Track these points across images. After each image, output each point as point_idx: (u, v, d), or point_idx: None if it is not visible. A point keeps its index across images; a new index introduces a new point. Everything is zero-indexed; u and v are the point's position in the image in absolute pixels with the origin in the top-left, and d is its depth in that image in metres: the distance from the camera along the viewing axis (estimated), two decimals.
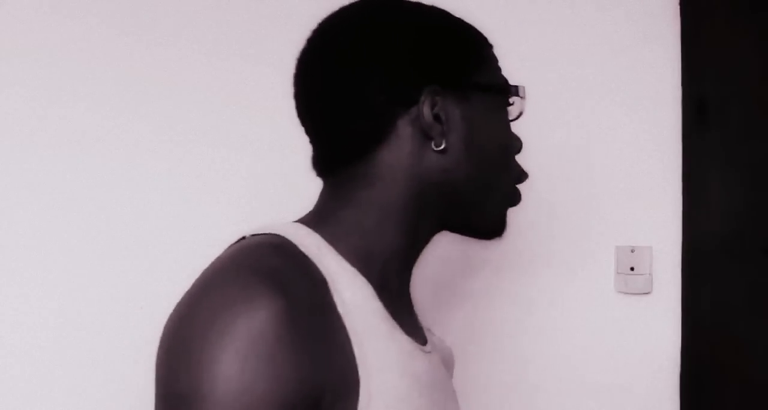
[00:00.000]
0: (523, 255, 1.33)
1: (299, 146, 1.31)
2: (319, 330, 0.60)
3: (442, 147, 0.69)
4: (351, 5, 0.74)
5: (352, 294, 0.65)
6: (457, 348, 1.33)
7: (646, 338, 1.29)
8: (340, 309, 0.63)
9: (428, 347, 0.75)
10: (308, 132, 0.75)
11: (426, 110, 0.68)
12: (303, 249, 0.65)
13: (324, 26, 0.74)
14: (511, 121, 0.77)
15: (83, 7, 1.34)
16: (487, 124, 0.73)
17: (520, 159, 0.78)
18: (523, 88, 0.76)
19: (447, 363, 0.83)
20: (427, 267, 1.31)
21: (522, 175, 0.77)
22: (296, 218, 0.74)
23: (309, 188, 1.35)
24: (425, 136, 0.69)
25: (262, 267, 0.60)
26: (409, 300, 0.80)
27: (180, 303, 0.62)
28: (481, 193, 0.73)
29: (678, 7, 1.30)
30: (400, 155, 0.69)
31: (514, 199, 0.77)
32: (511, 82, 0.77)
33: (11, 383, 1.29)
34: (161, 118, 1.34)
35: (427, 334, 0.79)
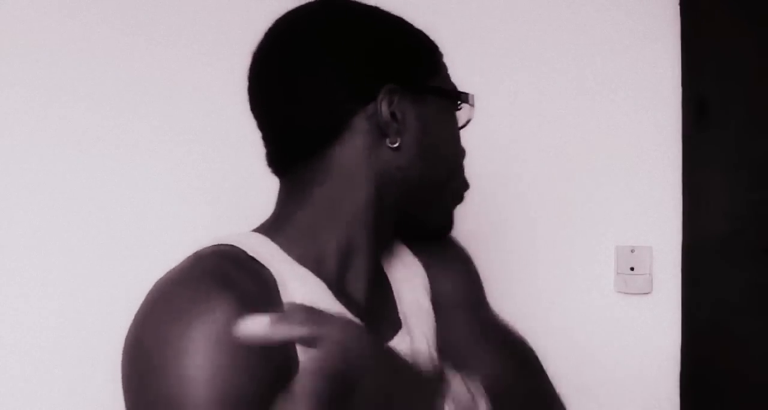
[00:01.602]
0: (524, 255, 1.33)
1: None
2: None
3: (397, 144, 0.70)
4: (310, 3, 0.75)
5: (303, 296, 0.66)
6: None
7: (646, 338, 1.29)
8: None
9: (399, 338, 0.75)
10: (261, 127, 0.76)
11: (384, 107, 0.69)
12: (253, 254, 0.66)
13: (282, 21, 0.75)
14: (460, 127, 0.78)
15: (83, 7, 1.34)
16: (440, 126, 0.74)
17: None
18: (473, 96, 0.77)
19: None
20: None
21: (464, 185, 0.78)
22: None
23: None
24: (381, 133, 0.70)
25: (209, 271, 0.62)
26: (380, 294, 0.79)
27: (136, 315, 0.63)
28: (432, 191, 0.75)
29: (678, 7, 1.30)
30: (355, 151, 0.70)
31: (458, 199, 0.78)
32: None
33: (11, 383, 1.29)
34: (161, 118, 1.34)
35: (407, 326, 0.79)
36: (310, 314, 0.48)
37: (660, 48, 1.30)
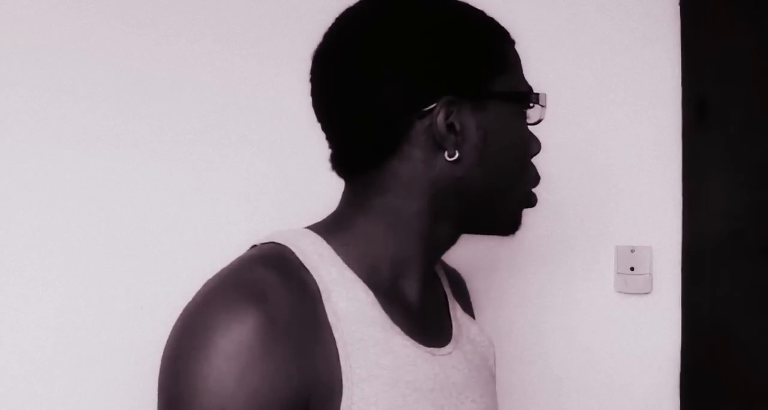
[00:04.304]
0: (523, 256, 1.33)
1: (300, 146, 1.32)
2: (299, 341, 0.62)
3: (455, 157, 0.68)
4: (368, 2, 0.73)
5: (347, 304, 0.66)
6: None
7: (646, 338, 1.29)
8: (331, 319, 0.64)
9: (447, 348, 0.75)
10: (324, 130, 0.75)
11: (440, 120, 0.67)
12: (302, 257, 0.67)
13: (340, 26, 0.73)
14: (530, 125, 0.76)
15: (83, 7, 1.34)
16: (504, 131, 0.72)
17: (535, 159, 0.78)
18: (544, 95, 0.75)
19: (480, 360, 0.82)
20: None
21: (535, 179, 0.77)
22: (310, 217, 0.76)
23: (309, 187, 1.35)
24: (438, 145, 0.69)
25: (245, 281, 0.63)
26: (435, 301, 0.80)
27: (179, 316, 0.65)
28: (494, 197, 0.73)
29: (678, 7, 1.30)
30: (413, 163, 0.69)
31: (530, 201, 0.77)
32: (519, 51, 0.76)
33: (11, 383, 1.29)
34: (161, 118, 1.34)
35: (459, 332, 0.79)
36: None
37: (660, 48, 1.30)
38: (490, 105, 0.70)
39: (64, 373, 1.29)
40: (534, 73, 1.32)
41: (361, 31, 0.70)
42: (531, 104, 0.74)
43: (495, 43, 0.72)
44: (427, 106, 0.67)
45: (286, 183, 1.33)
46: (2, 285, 1.30)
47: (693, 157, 1.28)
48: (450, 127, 0.68)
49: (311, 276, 0.66)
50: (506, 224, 0.77)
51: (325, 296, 0.65)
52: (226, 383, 0.58)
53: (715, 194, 1.26)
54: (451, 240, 0.76)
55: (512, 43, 0.75)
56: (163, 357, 0.63)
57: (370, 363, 0.65)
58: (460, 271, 0.98)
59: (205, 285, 0.66)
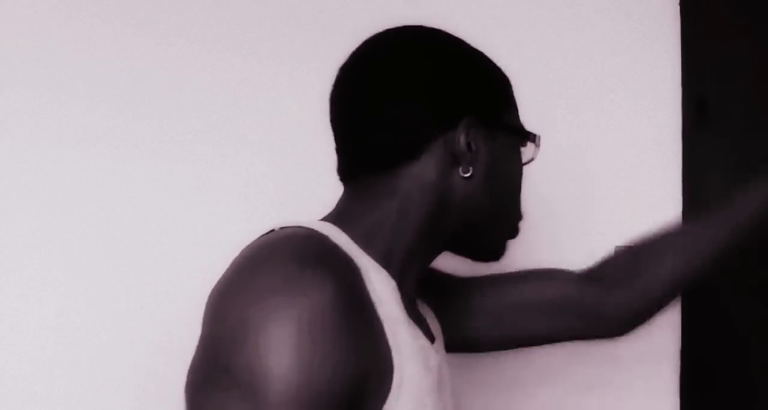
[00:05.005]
0: (523, 256, 1.33)
1: (300, 146, 1.32)
2: (363, 316, 0.63)
3: (469, 174, 0.74)
4: (398, 29, 0.79)
5: (381, 285, 0.68)
6: None
7: (646, 338, 1.29)
8: (373, 297, 0.66)
9: (436, 346, 0.79)
10: (338, 139, 0.78)
11: (461, 137, 0.73)
12: (334, 240, 0.68)
13: (374, 43, 0.78)
14: (523, 164, 0.82)
15: (83, 7, 1.34)
16: (507, 161, 0.79)
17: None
18: (539, 137, 0.82)
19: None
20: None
21: (519, 216, 0.84)
22: (312, 217, 0.76)
23: (309, 187, 1.35)
24: (454, 160, 0.74)
25: (312, 253, 0.63)
26: (418, 301, 0.84)
27: (225, 288, 0.62)
28: (491, 221, 0.79)
29: (678, 7, 1.30)
30: (428, 173, 0.74)
31: (514, 233, 0.84)
32: (516, 96, 0.83)
33: (11, 383, 1.29)
34: (161, 118, 1.34)
35: (434, 333, 0.83)
36: None
37: (660, 48, 1.30)
38: (499, 135, 0.78)
39: (64, 373, 1.29)
40: (534, 73, 1.32)
41: (394, 52, 0.76)
42: (527, 143, 0.82)
43: (503, 81, 0.81)
44: (450, 123, 0.74)
45: (286, 183, 1.33)
46: (2, 285, 1.30)
47: (693, 157, 1.28)
48: (468, 145, 0.74)
49: (351, 258, 0.68)
50: (491, 250, 0.83)
51: (366, 278, 0.67)
52: (308, 357, 0.55)
53: (715, 194, 1.26)
54: (434, 256, 0.81)
55: (511, 86, 0.83)
56: (214, 337, 0.60)
57: (408, 344, 0.67)
58: (459, 272, 0.98)
59: (252, 259, 0.63)
